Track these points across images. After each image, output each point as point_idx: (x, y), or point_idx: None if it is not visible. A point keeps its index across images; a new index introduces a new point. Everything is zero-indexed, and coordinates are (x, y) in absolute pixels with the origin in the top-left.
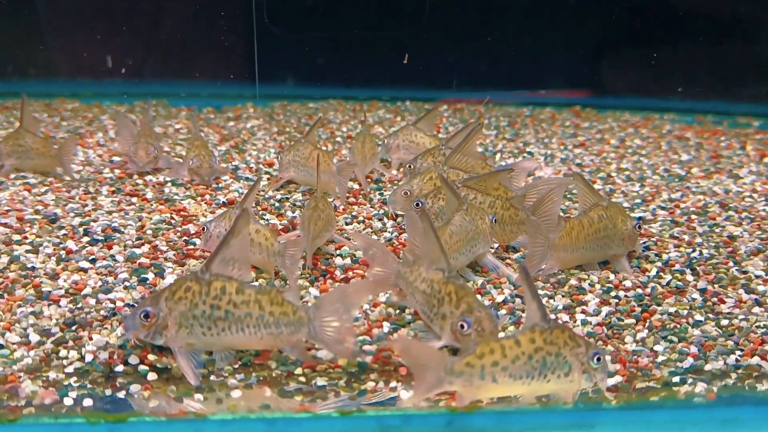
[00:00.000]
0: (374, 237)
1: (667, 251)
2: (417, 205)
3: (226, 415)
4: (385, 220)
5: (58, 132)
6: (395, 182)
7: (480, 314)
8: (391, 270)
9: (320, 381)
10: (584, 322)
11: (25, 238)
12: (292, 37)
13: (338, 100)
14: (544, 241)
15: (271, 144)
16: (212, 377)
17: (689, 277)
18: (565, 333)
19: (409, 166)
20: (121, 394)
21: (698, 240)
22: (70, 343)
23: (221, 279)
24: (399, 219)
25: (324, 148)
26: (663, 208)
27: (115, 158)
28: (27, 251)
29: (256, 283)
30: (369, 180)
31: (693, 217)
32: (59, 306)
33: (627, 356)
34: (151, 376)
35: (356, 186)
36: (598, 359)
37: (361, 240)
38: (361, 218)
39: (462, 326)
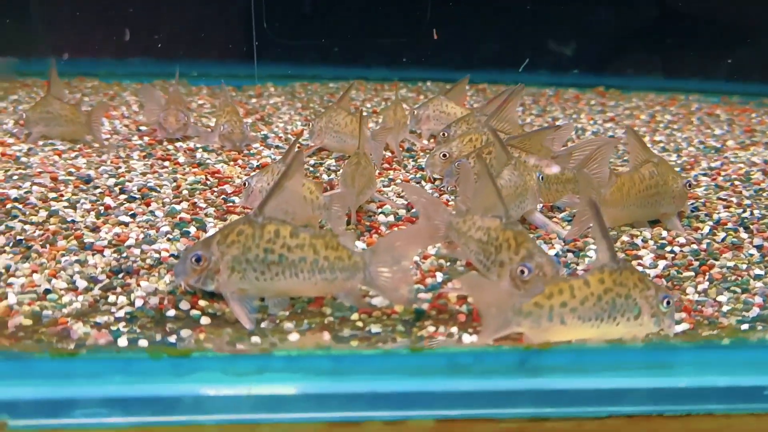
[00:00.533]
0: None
1: (716, 212)
2: (458, 165)
3: (291, 350)
4: (423, 183)
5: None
6: (427, 151)
7: (541, 259)
8: (442, 221)
9: (375, 328)
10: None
11: (62, 195)
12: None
13: (358, 80)
14: (594, 196)
15: (297, 117)
16: (263, 324)
17: (743, 235)
18: (635, 275)
19: (443, 134)
20: (173, 339)
21: (747, 202)
22: (119, 289)
23: (275, 222)
24: (437, 182)
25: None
26: (705, 175)
27: (143, 128)
28: (65, 207)
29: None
30: (401, 149)
31: (737, 183)
32: (103, 256)
33: (691, 305)
34: (204, 320)
35: (388, 153)
36: (668, 303)
37: (411, 191)
38: (398, 181)
39: (522, 272)
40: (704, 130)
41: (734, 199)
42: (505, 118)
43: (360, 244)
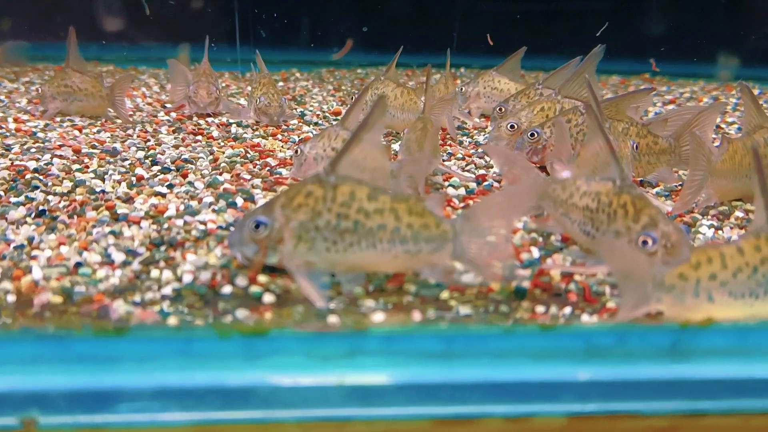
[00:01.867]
0: (479, 172)
1: None
2: (531, 135)
3: (392, 327)
4: (487, 158)
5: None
6: (479, 129)
7: (667, 228)
8: (535, 188)
9: (464, 309)
10: None
11: (87, 167)
12: None
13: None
14: (705, 164)
15: (330, 98)
16: (332, 305)
17: None
18: None
19: (500, 109)
20: (228, 320)
21: None
22: (162, 263)
23: (350, 183)
24: None
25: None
26: None
27: (168, 106)
28: (92, 178)
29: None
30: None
31: None
32: (140, 227)
33: None
34: (268, 297)
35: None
36: None
37: (497, 155)
38: (459, 155)
39: (645, 243)
40: None
41: None
42: (582, 84)
43: None
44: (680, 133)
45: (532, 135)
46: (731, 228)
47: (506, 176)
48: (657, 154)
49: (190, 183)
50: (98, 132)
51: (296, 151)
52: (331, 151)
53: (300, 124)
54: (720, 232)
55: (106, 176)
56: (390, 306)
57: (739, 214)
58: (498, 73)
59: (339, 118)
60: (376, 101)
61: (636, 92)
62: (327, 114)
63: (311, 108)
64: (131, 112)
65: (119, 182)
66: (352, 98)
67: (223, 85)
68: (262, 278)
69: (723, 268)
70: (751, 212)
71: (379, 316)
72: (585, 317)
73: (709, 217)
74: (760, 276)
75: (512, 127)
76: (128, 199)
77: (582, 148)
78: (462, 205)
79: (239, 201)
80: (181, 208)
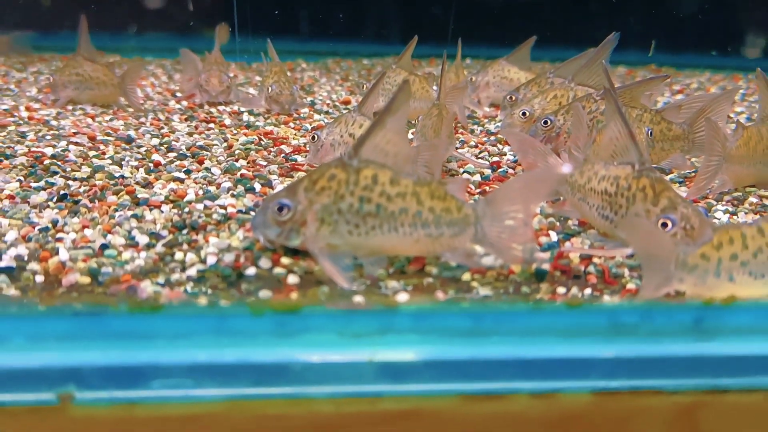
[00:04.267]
0: (494, 159)
1: None
2: (545, 123)
3: (423, 305)
4: (500, 146)
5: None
6: (490, 118)
7: (686, 210)
8: (554, 174)
9: (484, 290)
10: None
11: (103, 153)
12: None
13: (393, 57)
14: (721, 150)
15: (339, 88)
16: (355, 286)
17: None
18: None
19: (511, 98)
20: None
21: None
22: (185, 246)
23: (373, 166)
24: None
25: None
26: None
27: (179, 94)
28: (109, 164)
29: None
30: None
31: None
32: (161, 211)
33: None
34: (292, 279)
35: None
36: None
37: (514, 139)
38: (472, 143)
39: (665, 225)
40: None
41: None
42: (596, 72)
43: None
44: (694, 119)
45: (546, 123)
46: (746, 213)
47: (523, 161)
48: (671, 140)
49: (207, 169)
50: (111, 120)
51: (313, 137)
52: (348, 137)
53: (311, 112)
54: (735, 217)
55: (123, 162)
56: (411, 287)
57: (753, 200)
58: (508, 63)
59: (349, 107)
60: (400, 85)
61: (650, 79)
62: (337, 103)
63: (320, 97)
64: (142, 101)
65: (137, 168)
66: (362, 87)
67: (231, 75)
68: (285, 260)
69: (744, 248)
70: (765, 197)
71: (402, 296)
72: (606, 298)
73: (724, 202)
74: None
75: (524, 114)
76: (147, 185)
77: (599, 135)
78: (478, 191)
79: (257, 186)
80: (200, 193)
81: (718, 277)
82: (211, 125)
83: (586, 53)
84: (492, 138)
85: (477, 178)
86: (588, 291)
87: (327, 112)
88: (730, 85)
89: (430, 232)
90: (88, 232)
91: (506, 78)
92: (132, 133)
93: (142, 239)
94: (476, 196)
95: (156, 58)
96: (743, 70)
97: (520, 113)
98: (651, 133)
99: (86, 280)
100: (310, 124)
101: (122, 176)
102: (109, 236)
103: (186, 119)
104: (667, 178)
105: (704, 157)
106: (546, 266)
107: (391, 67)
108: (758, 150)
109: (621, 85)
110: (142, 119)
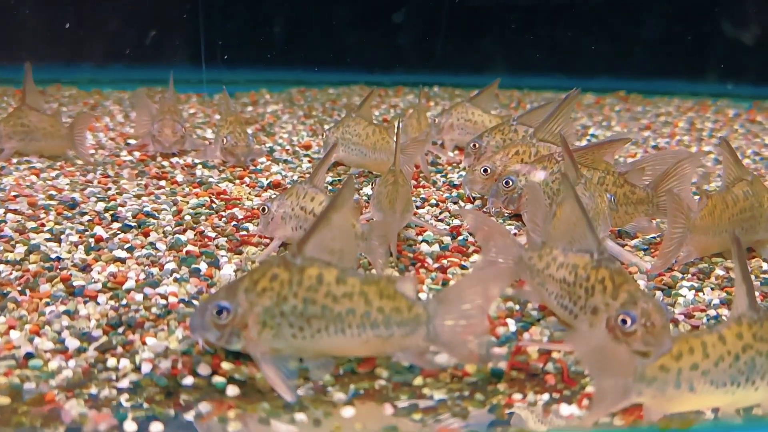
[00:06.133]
0: (454, 222)
1: None
2: (506, 183)
3: None
4: (461, 203)
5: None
6: (454, 165)
7: (646, 305)
8: (511, 256)
9: (439, 394)
10: None
11: (42, 225)
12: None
13: (360, 86)
14: (684, 221)
15: (301, 127)
16: (300, 391)
17: None
18: None
19: (474, 146)
20: (190, 416)
21: None
22: (119, 349)
23: (317, 265)
24: (477, 202)
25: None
26: None
27: (132, 141)
28: (47, 240)
29: (361, 271)
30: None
31: None
32: (97, 303)
33: None
34: (231, 390)
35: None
36: None
37: (472, 219)
38: (433, 201)
39: (624, 321)
40: (753, 139)
41: None
42: (553, 130)
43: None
44: (657, 182)
45: (507, 183)
46: (712, 289)
47: (481, 243)
48: (634, 204)
49: (152, 244)
50: (57, 177)
51: (263, 209)
52: (299, 210)
53: (269, 162)
54: (701, 294)
55: (62, 236)
56: (361, 392)
57: (719, 272)
58: (472, 105)
59: (309, 152)
60: (344, 182)
61: (613, 140)
62: (297, 148)
63: (280, 140)
64: (92, 151)
65: (76, 245)
66: (323, 126)
67: (191, 111)
68: (226, 365)
69: (705, 357)
70: (731, 269)
71: (348, 411)
72: (563, 407)
73: (690, 276)
74: (742, 364)
75: (486, 171)
76: (85, 267)
77: (558, 208)
78: (436, 266)
79: (203, 266)
80: (142, 277)
81: (678, 388)
82: (162, 182)
83: (549, 104)
84: (454, 194)
85: (436, 248)
86: (545, 396)
87: (286, 161)
88: (698, 117)
89: (379, 332)
90: (14, 335)
91: (470, 120)
92: (77, 195)
93: (73, 343)
94: (433, 274)
95: (115, 90)
96: (713, 96)
97: (482, 170)
98: (614, 198)
99: (6, 400)
100: (267, 179)
101: (59, 258)
102: (37, 340)
103: (137, 174)
104: (632, 243)
105: (667, 228)
106: (502, 365)
107: (350, 115)
108: (723, 218)
109: (583, 146)
110: (90, 176)
